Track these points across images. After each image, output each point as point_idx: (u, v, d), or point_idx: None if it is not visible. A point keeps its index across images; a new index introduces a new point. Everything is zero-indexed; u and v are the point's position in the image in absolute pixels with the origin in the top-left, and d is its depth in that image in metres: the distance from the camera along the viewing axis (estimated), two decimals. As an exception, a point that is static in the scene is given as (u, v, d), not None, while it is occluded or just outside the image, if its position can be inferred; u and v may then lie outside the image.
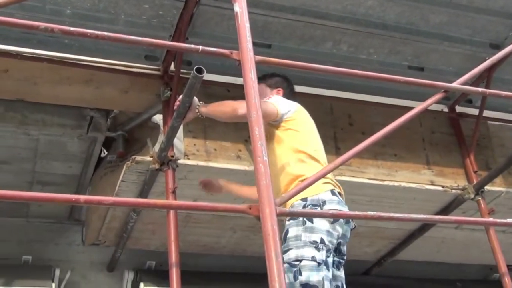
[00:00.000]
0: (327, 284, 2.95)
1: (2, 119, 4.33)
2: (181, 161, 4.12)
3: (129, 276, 5.52)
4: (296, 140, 3.36)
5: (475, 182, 4.76)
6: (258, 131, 2.58)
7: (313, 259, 2.95)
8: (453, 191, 4.76)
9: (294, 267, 2.95)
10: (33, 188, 5.16)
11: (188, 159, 4.20)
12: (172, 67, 4.32)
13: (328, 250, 3.02)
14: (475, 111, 5.04)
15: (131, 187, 4.38)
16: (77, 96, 4.35)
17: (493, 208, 4.66)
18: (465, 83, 3.47)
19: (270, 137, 3.38)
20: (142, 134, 4.66)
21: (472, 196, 4.70)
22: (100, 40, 4.00)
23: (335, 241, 3.09)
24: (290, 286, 2.92)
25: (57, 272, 5.27)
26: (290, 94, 3.73)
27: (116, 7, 3.91)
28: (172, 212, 3.78)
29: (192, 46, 2.94)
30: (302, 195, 3.03)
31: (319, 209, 3.09)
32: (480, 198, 4.70)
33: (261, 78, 3.60)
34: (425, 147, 4.96)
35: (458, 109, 5.20)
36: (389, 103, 4.91)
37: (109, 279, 5.60)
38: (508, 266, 4.39)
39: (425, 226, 5.32)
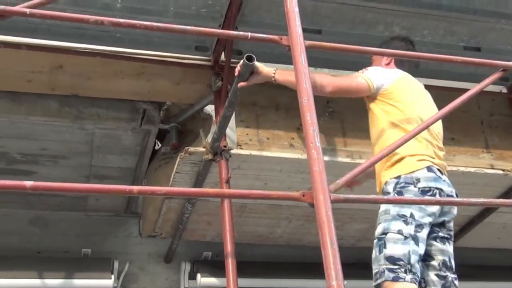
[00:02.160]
0: (414, 258, 2.89)
1: (57, 115, 4.40)
2: (234, 151, 4.11)
3: (186, 267, 5.56)
4: (392, 114, 3.30)
5: (536, 164, 4.60)
6: (310, 116, 2.54)
7: (399, 232, 2.91)
8: (514, 174, 4.61)
9: (380, 240, 2.95)
10: (90, 182, 5.24)
11: (241, 148, 4.19)
12: (222, 57, 4.31)
13: (419, 226, 2.96)
14: (535, 91, 4.87)
15: (186, 178, 4.40)
16: (130, 89, 4.40)
17: (556, 190, 4.51)
18: (524, 61, 3.35)
19: (369, 111, 3.41)
20: (195, 125, 4.67)
21: (533, 179, 4.55)
22: (150, 32, 4.05)
23: (430, 218, 3.02)
24: (376, 260, 2.92)
25: (116, 264, 5.34)
26: (403, 61, 3.60)
27: (165, -1, 3.92)
28: (226, 202, 3.78)
29: (241, 33, 2.92)
30: (396, 172, 3.09)
31: (412, 187, 3.05)
32: (542, 181, 4.55)
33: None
34: (484, 130, 4.81)
35: (517, 89, 5.03)
36: (446, 86, 4.78)
37: (166, 270, 5.66)
38: None
39: (485, 212, 5.17)
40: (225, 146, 4.04)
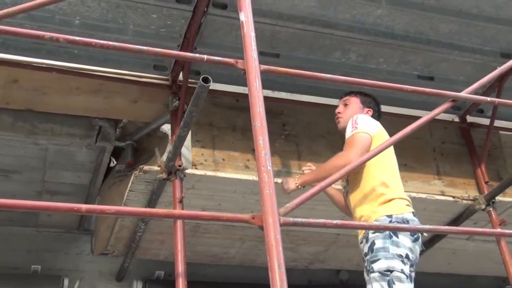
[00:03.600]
0: None
1: (11, 129, 4.35)
2: (188, 171, 4.11)
3: (137, 286, 5.53)
4: (375, 161, 3.41)
5: (486, 192, 4.71)
6: (262, 140, 2.57)
7: (402, 271, 3.11)
8: (464, 201, 4.71)
9: (387, 276, 3.10)
10: (42, 197, 5.18)
11: (196, 168, 4.20)
12: (180, 76, 4.32)
13: (411, 265, 3.20)
14: (486, 121, 5.00)
15: (139, 197, 4.37)
16: (86, 106, 4.38)
17: (505, 219, 4.62)
18: (475, 93, 3.44)
19: None
20: (151, 144, 4.66)
21: (483, 206, 4.66)
22: (109, 50, 4.03)
23: (415, 258, 3.25)
24: None
25: (66, 281, 5.29)
26: (378, 116, 3.81)
27: (125, 17, 3.91)
28: (179, 222, 3.77)
29: (197, 55, 2.94)
30: (387, 211, 3.26)
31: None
32: (491, 209, 4.65)
33: (358, 93, 3.78)
34: (436, 157, 4.93)
35: (469, 119, 5.16)
36: (399, 113, 4.87)
37: (118, 288, 5.60)
38: (520, 277, 4.32)
39: (435, 237, 5.26)
40: (179, 166, 4.04)
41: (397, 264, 3.12)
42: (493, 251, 4.91)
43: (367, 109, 3.76)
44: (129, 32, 4.00)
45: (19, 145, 4.52)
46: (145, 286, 5.53)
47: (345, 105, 3.76)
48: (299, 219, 2.54)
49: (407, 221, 3.25)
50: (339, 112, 3.76)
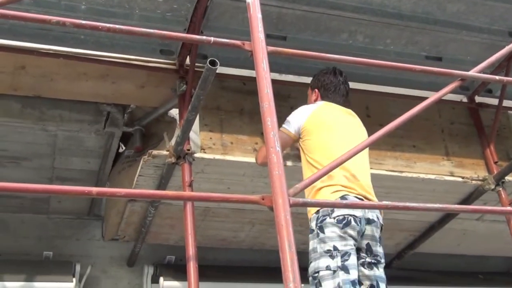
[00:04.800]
0: (346, 287, 3.04)
1: (20, 116, 4.36)
2: (197, 155, 4.12)
3: (149, 271, 5.54)
4: (309, 150, 3.49)
5: (495, 172, 4.69)
6: (270, 121, 2.57)
7: (327, 268, 3.08)
8: (473, 182, 4.69)
9: (315, 279, 3.11)
10: (53, 184, 5.19)
11: (205, 152, 4.20)
12: (187, 61, 4.32)
13: (344, 254, 3.11)
14: (495, 101, 4.97)
15: (149, 182, 4.39)
16: (94, 91, 4.38)
17: (514, 198, 4.61)
18: (483, 72, 3.43)
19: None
20: (159, 128, 4.67)
21: (492, 186, 4.64)
22: (115, 35, 4.04)
23: (352, 241, 3.17)
24: None
25: (78, 267, 5.30)
26: (328, 91, 3.81)
27: (131, 2, 3.91)
28: (188, 205, 3.78)
29: (204, 37, 2.94)
30: (315, 208, 3.23)
31: (328, 218, 3.20)
32: (500, 189, 4.64)
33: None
34: (444, 138, 4.91)
35: (478, 99, 5.13)
36: (407, 94, 4.86)
37: (129, 274, 5.63)
38: (530, 257, 4.33)
39: (445, 218, 5.26)
40: (188, 150, 4.04)
41: (323, 262, 3.11)
42: (503, 231, 4.91)
43: (314, 93, 3.84)
44: (135, 16, 3.99)
45: (28, 132, 4.53)
46: (156, 271, 5.55)
47: None
48: (309, 200, 2.56)
49: (332, 210, 3.19)
50: None
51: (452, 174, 4.74)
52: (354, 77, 4.71)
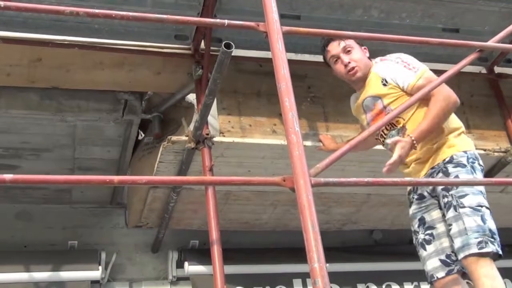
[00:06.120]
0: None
1: (38, 108, 4.38)
2: (216, 139, 4.12)
3: (173, 256, 5.57)
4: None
5: (517, 143, 4.65)
6: (288, 102, 2.55)
7: (488, 208, 3.09)
8: (496, 154, 4.65)
9: (479, 211, 3.05)
10: (74, 174, 5.23)
11: (224, 136, 4.20)
12: (202, 45, 4.30)
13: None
14: (515, 71, 4.91)
15: (169, 168, 4.40)
16: (111, 80, 4.38)
17: (538, 169, 4.56)
18: (501, 42, 3.37)
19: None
20: (177, 114, 4.66)
21: (515, 158, 4.59)
22: (129, 22, 4.03)
23: None
24: (481, 229, 3.00)
25: (103, 255, 5.35)
26: None
27: (143, -12, 3.90)
28: (210, 189, 3.79)
29: (218, 20, 2.93)
30: (462, 147, 3.23)
31: (476, 163, 3.22)
32: (524, 160, 4.59)
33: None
34: (465, 110, 4.84)
35: (497, 70, 5.05)
36: (425, 68, 4.80)
37: (154, 259, 5.67)
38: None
39: (469, 192, 5.21)
40: (207, 134, 4.04)
41: (484, 201, 3.10)
42: (528, 202, 4.87)
43: (364, 49, 3.59)
44: (148, 3, 3.98)
45: (47, 123, 4.55)
46: (181, 256, 5.58)
47: (347, 51, 3.47)
48: (330, 179, 2.54)
49: (478, 159, 3.25)
50: (350, 62, 3.45)
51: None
52: (370, 53, 4.67)
